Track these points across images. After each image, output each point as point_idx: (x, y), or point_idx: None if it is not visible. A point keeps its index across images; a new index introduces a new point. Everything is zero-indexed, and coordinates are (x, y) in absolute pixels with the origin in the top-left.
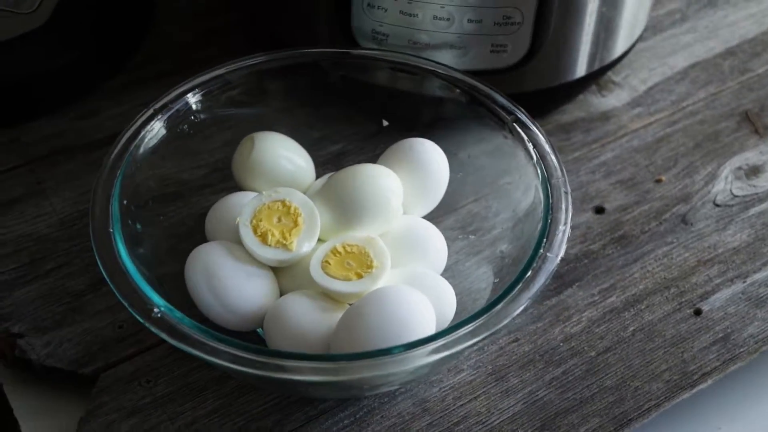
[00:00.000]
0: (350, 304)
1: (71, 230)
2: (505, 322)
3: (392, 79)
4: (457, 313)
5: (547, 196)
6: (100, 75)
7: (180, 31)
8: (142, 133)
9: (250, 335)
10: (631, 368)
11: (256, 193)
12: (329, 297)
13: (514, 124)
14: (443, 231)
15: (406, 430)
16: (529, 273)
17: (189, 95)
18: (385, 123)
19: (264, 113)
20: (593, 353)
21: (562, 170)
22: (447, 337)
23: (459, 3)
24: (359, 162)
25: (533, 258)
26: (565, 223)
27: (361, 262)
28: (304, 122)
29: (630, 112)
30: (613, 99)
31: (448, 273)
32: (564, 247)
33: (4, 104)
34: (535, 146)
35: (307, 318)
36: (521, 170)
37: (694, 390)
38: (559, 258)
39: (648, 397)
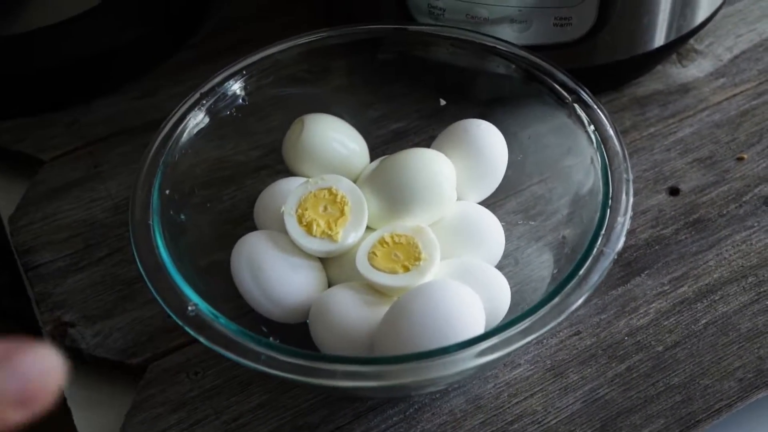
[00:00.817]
0: (397, 298)
1: (125, 215)
2: (552, 325)
3: (450, 55)
4: (515, 304)
5: (606, 184)
6: (162, 52)
7: (242, 5)
8: (186, 120)
9: (299, 327)
10: (701, 365)
11: (304, 179)
12: (375, 290)
13: (575, 104)
14: (503, 215)
15: (457, 428)
16: (582, 270)
17: (234, 78)
18: (443, 102)
19: (320, 92)
20: (660, 348)
21: (624, 155)
22: (491, 339)
23: None
24: (417, 142)
25: (588, 252)
26: (624, 215)
27: (409, 254)
28: (362, 100)
29: (712, 84)
30: (694, 69)
31: (509, 260)
32: (622, 240)
33: (65, 85)
34: (596, 128)
35: (351, 313)
36: (584, 151)
37: None
38: (615, 253)
39: (719, 396)
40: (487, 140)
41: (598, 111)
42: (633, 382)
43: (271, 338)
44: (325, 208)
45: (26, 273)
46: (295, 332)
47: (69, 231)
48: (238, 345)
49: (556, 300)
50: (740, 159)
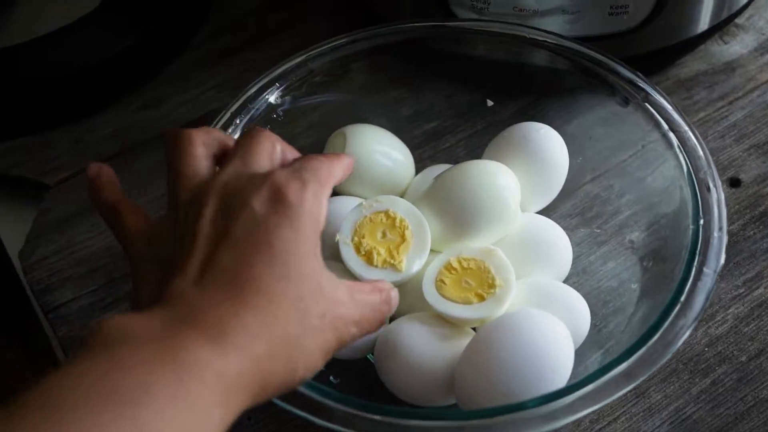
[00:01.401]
0: (473, 329)
1: None
2: (660, 363)
3: (489, 51)
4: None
5: (695, 194)
6: (163, 57)
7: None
8: None
9: (361, 362)
10: None
11: (352, 198)
12: (447, 321)
13: (645, 103)
14: (557, 220)
15: None
16: (683, 296)
17: (268, 91)
18: (490, 103)
19: (352, 98)
20: (744, 358)
21: (708, 160)
22: (593, 384)
23: None
24: (458, 143)
25: (686, 275)
26: (720, 229)
27: (482, 280)
28: (397, 101)
29: (758, 60)
30: (737, 45)
31: (570, 271)
32: (723, 257)
33: (63, 99)
34: (671, 128)
35: (425, 348)
36: (654, 152)
37: None
38: (717, 273)
39: None
40: (549, 146)
41: (671, 109)
42: (720, 397)
43: (331, 378)
44: (384, 234)
45: (46, 315)
46: (357, 367)
47: (88, 264)
48: (305, 399)
49: (660, 334)
50: None
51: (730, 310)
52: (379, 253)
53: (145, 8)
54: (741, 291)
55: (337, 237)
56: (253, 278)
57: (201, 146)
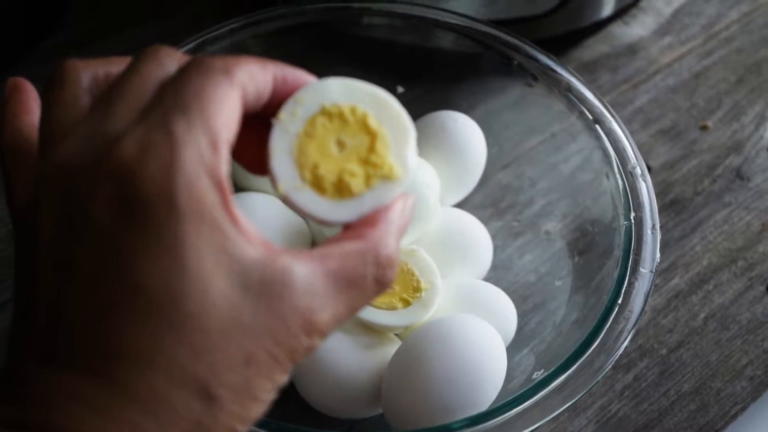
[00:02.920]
0: (397, 335)
1: None
2: (600, 376)
3: (404, 34)
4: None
5: (625, 189)
6: (33, 35)
7: None
8: None
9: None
10: (709, 365)
11: (260, 195)
12: (370, 329)
13: (568, 92)
14: (470, 212)
15: None
16: (620, 299)
17: None
18: (401, 89)
19: None
20: (664, 351)
21: (635, 152)
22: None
23: None
24: None
25: (622, 276)
26: (654, 226)
27: (406, 284)
28: None
29: (659, 42)
30: (637, 27)
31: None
32: (658, 255)
33: None
34: (597, 121)
35: (348, 359)
36: (556, 130)
37: None
38: (653, 273)
39: (733, 399)
40: (467, 137)
41: (597, 102)
42: (643, 393)
43: None
44: (341, 143)
45: None
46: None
47: None
48: None
49: (600, 340)
50: (704, 127)
51: (648, 302)
52: (353, 173)
53: None
54: (657, 282)
55: (279, 188)
56: (119, 345)
57: (79, 88)
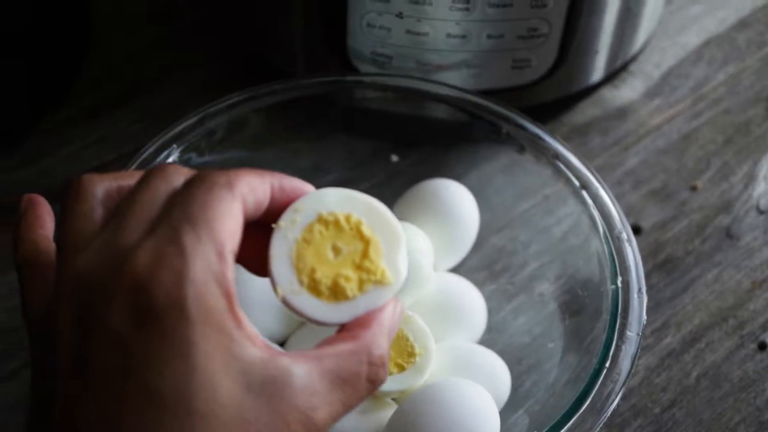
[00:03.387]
0: (393, 399)
1: None
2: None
3: (397, 105)
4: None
5: (611, 254)
6: (38, 109)
7: (126, 41)
8: None
9: None
10: (701, 424)
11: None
12: None
13: (556, 159)
14: (465, 275)
15: None
16: (608, 362)
17: (168, 152)
18: (395, 158)
19: (251, 154)
20: (658, 410)
21: (621, 216)
22: None
23: (477, 18)
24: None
25: (610, 340)
26: (640, 290)
27: (401, 349)
28: (295, 153)
29: (648, 105)
30: (627, 90)
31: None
32: (644, 318)
33: None
34: (584, 187)
35: (345, 425)
36: (548, 194)
37: None
38: (640, 336)
39: None
40: (459, 203)
41: (583, 168)
42: None
43: None
44: (337, 249)
45: None
46: None
47: None
48: None
49: (589, 403)
50: (694, 188)
51: (641, 361)
52: (348, 278)
53: (8, 57)
54: (649, 341)
55: (278, 292)
56: None
57: (94, 201)
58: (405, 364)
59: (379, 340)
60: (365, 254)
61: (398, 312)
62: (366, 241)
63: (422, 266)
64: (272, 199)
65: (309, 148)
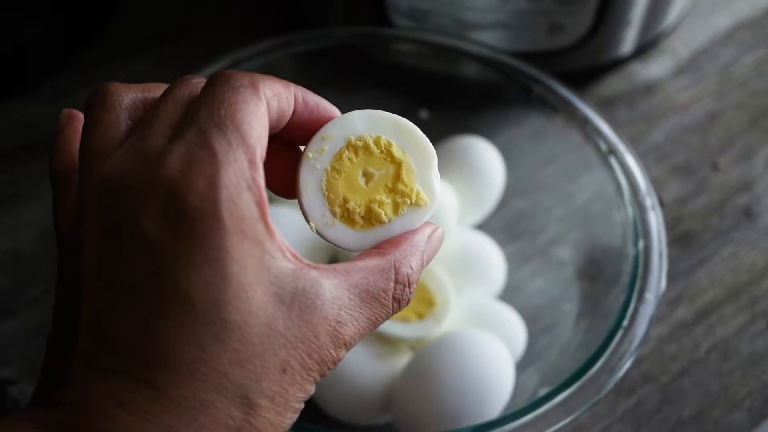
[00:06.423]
0: (411, 347)
1: None
2: (605, 391)
3: (430, 61)
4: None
5: (635, 217)
6: (72, 47)
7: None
8: None
9: None
10: (709, 395)
11: (282, 207)
12: (383, 338)
13: (585, 125)
14: (486, 234)
15: None
16: (625, 321)
17: None
18: (424, 115)
19: None
20: (666, 378)
21: (648, 182)
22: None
23: None
24: None
25: (628, 300)
26: (661, 254)
27: (421, 298)
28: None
29: (675, 83)
30: (656, 67)
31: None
32: (664, 282)
33: None
34: (612, 152)
35: (361, 366)
36: (574, 161)
37: None
38: (658, 299)
39: (731, 429)
40: (487, 161)
41: (607, 130)
42: (644, 417)
43: None
44: (369, 175)
45: None
46: None
47: None
48: None
49: (602, 360)
50: (716, 166)
51: (653, 331)
52: (381, 203)
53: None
54: (663, 311)
55: (311, 225)
56: (164, 354)
57: (120, 110)
58: (424, 313)
59: (410, 259)
60: (398, 176)
61: (437, 237)
62: (398, 164)
63: (447, 219)
64: (295, 112)
65: (339, 100)
